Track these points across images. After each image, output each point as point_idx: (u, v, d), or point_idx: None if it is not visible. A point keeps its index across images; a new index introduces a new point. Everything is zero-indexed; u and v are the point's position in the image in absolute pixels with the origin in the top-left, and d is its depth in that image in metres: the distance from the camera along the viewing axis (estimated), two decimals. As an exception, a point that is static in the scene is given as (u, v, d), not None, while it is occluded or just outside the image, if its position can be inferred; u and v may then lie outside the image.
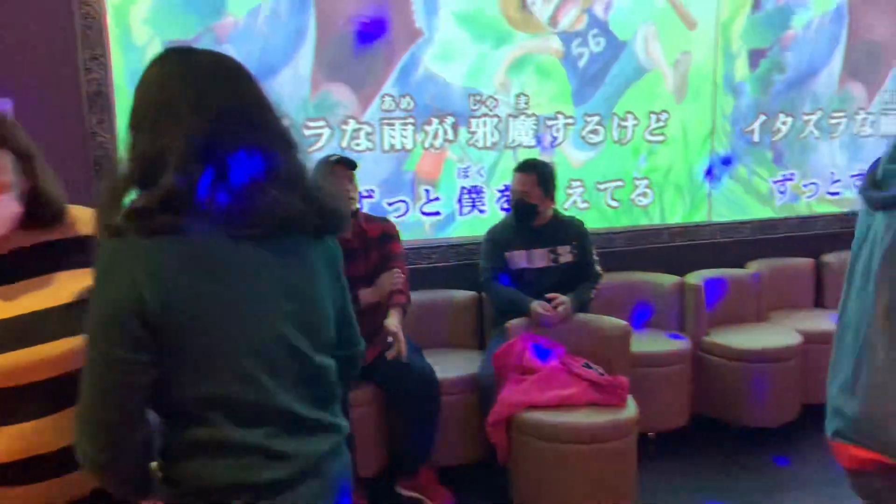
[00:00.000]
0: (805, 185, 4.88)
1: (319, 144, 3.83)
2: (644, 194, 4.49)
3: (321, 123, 3.83)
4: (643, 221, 4.50)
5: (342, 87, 3.84)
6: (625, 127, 4.38)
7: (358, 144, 3.92)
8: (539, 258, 3.72)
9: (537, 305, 3.50)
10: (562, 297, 3.52)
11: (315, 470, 1.39)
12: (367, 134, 3.92)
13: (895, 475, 1.77)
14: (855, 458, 1.79)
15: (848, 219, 4.87)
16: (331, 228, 1.45)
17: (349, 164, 3.30)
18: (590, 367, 3.22)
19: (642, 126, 4.41)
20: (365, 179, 3.75)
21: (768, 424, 4.00)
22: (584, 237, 3.79)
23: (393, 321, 3.16)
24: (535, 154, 4.12)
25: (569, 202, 4.32)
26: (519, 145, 4.19)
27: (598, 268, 3.77)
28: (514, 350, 3.27)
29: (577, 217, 3.93)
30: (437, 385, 3.32)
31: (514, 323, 3.45)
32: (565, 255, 3.73)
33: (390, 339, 3.11)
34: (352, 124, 3.89)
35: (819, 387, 4.17)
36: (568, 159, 4.30)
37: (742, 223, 4.70)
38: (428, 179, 4.08)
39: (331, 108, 3.83)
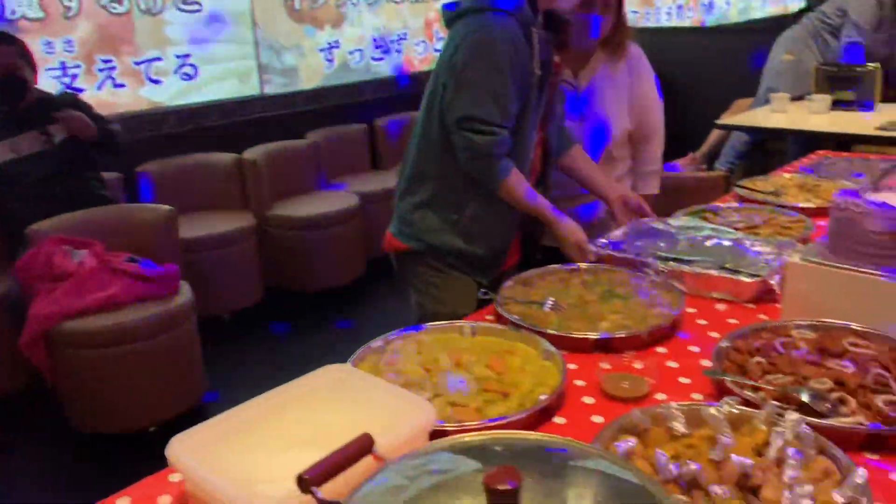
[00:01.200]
0: (350, 53, 5.04)
1: None
2: (186, 71, 4.18)
3: None
4: (192, 100, 4.22)
5: None
6: (151, -7, 3.97)
7: None
8: (28, 143, 3.20)
9: None
10: None
11: None
12: None
13: (406, 257, 2.06)
14: (388, 243, 2.11)
15: (392, 84, 5.20)
16: None
17: None
18: (134, 261, 2.96)
19: (173, -7, 4.04)
20: None
21: (339, 284, 4.21)
22: (77, 108, 3.33)
23: None
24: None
25: (99, 82, 3.82)
26: None
27: (114, 126, 3.39)
28: (39, 257, 2.84)
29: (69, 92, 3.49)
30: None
31: (34, 227, 2.98)
32: (59, 133, 3.25)
33: None
34: None
35: (379, 242, 4.51)
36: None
37: (294, 94, 4.70)
38: None
39: None
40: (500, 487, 0.71)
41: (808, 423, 1.13)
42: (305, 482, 0.83)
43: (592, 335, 1.51)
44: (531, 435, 0.93)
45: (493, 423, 1.21)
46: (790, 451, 1.06)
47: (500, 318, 1.65)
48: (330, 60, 4.89)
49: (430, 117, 1.95)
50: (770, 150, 4.88)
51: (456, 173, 1.93)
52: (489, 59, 1.81)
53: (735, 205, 2.31)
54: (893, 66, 4.31)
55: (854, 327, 1.44)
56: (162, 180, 3.78)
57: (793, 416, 1.12)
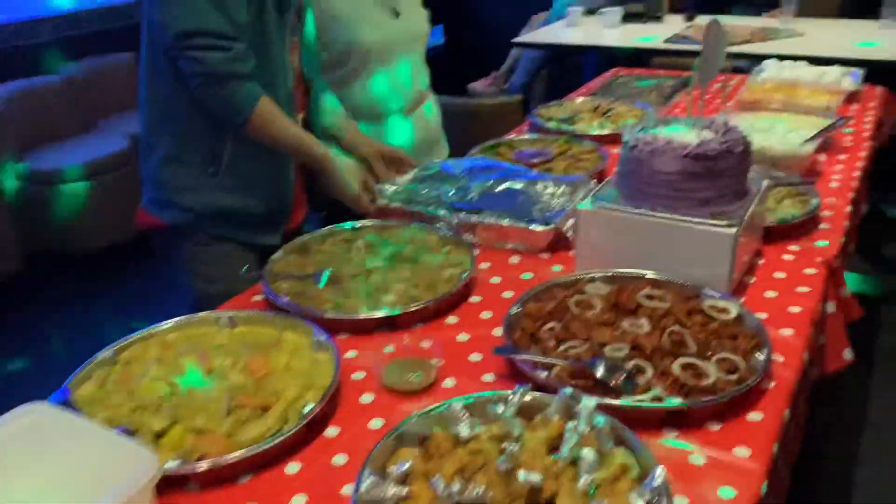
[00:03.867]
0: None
1: None
2: None
3: None
4: None
5: None
6: None
7: None
8: None
9: None
10: None
11: None
12: None
13: (165, 234, 1.72)
14: (140, 219, 1.75)
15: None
16: None
17: None
18: None
19: None
20: None
21: (116, 239, 3.68)
22: None
23: None
24: None
25: None
26: None
27: None
28: None
29: None
30: None
31: None
32: None
33: None
34: None
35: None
36: None
37: (38, 22, 3.96)
38: None
39: None
40: None
41: (603, 406, 1.00)
42: None
43: (374, 315, 1.31)
44: None
45: (239, 458, 0.98)
46: (584, 450, 0.92)
47: (269, 301, 1.40)
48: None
49: (152, 44, 1.58)
50: (567, 63, 4.87)
51: (200, 112, 1.59)
52: None
53: (529, 137, 2.17)
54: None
55: (648, 276, 1.34)
56: None
57: (588, 403, 0.98)
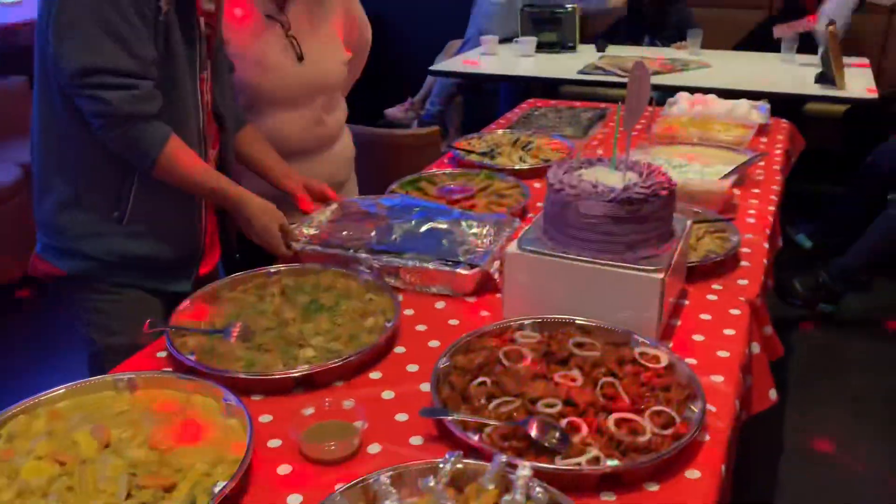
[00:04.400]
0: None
1: None
2: None
3: None
4: None
5: None
6: None
7: None
8: None
9: None
10: None
11: None
12: None
13: (64, 283, 1.59)
14: (35, 266, 1.62)
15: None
16: None
17: None
18: None
19: None
20: None
21: (6, 280, 3.40)
22: None
23: None
24: None
25: None
26: None
27: None
28: None
29: None
30: None
31: None
32: None
33: None
34: None
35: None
36: None
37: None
38: None
39: None
40: None
41: (538, 471, 0.94)
42: None
43: (291, 373, 1.21)
44: None
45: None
46: (522, 527, 0.87)
47: (174, 358, 1.28)
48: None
49: (46, 78, 1.46)
50: (482, 89, 4.89)
51: (102, 152, 1.47)
52: None
53: (450, 171, 2.13)
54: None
55: (578, 322, 1.30)
56: None
57: (524, 471, 0.93)
